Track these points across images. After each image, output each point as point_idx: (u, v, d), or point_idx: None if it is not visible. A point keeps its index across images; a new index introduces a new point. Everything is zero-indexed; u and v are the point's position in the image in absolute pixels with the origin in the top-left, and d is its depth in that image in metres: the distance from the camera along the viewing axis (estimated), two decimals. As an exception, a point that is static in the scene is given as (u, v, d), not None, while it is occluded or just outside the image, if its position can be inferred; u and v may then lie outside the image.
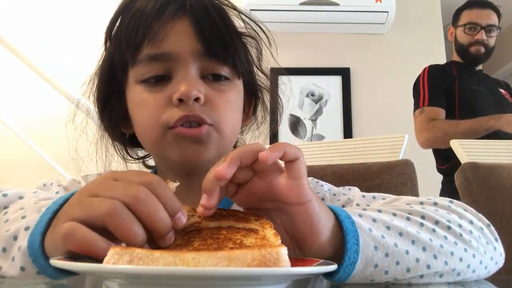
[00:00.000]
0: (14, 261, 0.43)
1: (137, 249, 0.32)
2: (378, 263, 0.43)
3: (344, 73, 2.52)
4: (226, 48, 0.60)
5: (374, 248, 0.42)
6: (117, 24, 0.63)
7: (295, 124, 2.49)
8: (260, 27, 0.67)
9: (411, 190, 0.96)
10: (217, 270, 0.30)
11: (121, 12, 0.62)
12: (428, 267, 0.44)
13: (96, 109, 0.67)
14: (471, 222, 0.50)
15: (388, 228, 0.44)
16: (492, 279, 0.52)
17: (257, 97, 0.71)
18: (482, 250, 0.49)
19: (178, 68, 0.58)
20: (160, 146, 0.59)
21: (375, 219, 0.45)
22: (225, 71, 0.61)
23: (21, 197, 0.50)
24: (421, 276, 0.45)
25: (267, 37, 0.68)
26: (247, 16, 0.67)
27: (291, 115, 2.48)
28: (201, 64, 0.59)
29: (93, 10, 2.46)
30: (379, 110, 2.46)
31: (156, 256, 0.32)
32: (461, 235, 0.47)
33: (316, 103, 2.51)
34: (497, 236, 0.52)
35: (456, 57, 2.02)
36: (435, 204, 0.51)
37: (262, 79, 0.71)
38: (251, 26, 0.67)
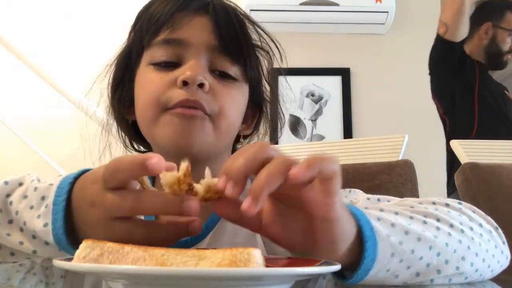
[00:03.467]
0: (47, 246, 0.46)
1: (108, 243, 0.33)
2: (391, 268, 0.42)
3: (344, 73, 2.52)
4: (240, 49, 0.62)
5: (391, 255, 0.42)
6: (138, 19, 0.65)
7: (295, 125, 2.49)
8: (273, 41, 0.70)
9: (411, 190, 0.96)
10: (224, 271, 0.30)
11: (146, 8, 0.65)
12: (439, 272, 0.44)
13: (109, 95, 0.69)
14: (480, 225, 0.50)
15: (406, 233, 0.43)
16: (495, 279, 0.52)
17: (261, 111, 0.72)
18: (491, 254, 0.49)
19: (189, 56, 0.60)
20: (153, 128, 0.59)
21: (393, 223, 0.43)
22: (233, 71, 0.62)
23: (20, 184, 0.51)
24: (432, 280, 0.45)
25: (280, 53, 0.70)
26: (262, 30, 0.69)
27: (291, 115, 2.48)
28: (211, 57, 0.61)
29: (98, 12, 2.46)
30: (379, 110, 2.46)
31: (126, 250, 0.32)
32: (472, 239, 0.47)
33: (316, 103, 2.51)
34: (504, 239, 0.52)
35: (477, 52, 1.88)
36: (447, 205, 0.51)
37: (269, 92, 0.72)
38: (266, 42, 0.69)
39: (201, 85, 0.57)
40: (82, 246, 0.33)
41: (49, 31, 2.46)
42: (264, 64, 0.70)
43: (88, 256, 0.32)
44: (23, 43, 2.13)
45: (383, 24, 2.47)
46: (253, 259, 0.31)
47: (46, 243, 0.46)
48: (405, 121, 2.41)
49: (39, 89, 2.17)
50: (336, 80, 2.52)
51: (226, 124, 0.61)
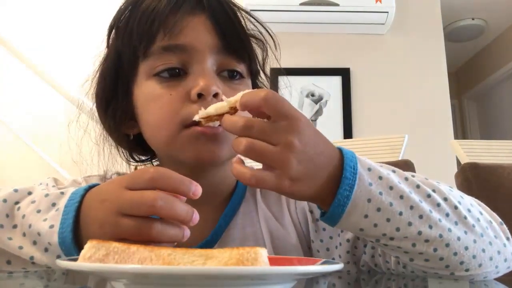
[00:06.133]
0: (48, 252, 0.47)
1: (113, 243, 0.33)
2: (369, 214, 0.45)
3: (344, 73, 2.52)
4: (243, 45, 0.60)
5: (368, 200, 0.45)
6: (125, 18, 0.61)
7: (295, 124, 2.49)
8: (266, 29, 0.67)
9: (411, 190, 0.96)
10: (227, 269, 0.30)
11: (130, 5, 0.60)
12: (420, 233, 0.45)
13: (97, 110, 0.65)
14: (481, 213, 0.50)
15: (390, 188, 0.46)
16: (500, 280, 0.51)
17: None
18: (487, 240, 0.48)
19: (195, 63, 0.57)
20: (173, 146, 0.57)
21: (382, 177, 0.46)
22: (240, 68, 0.61)
23: (29, 193, 0.52)
24: (413, 244, 0.46)
25: (273, 40, 0.68)
26: (254, 18, 0.66)
27: (291, 115, 2.48)
28: (217, 60, 0.59)
29: (94, 10, 2.46)
30: (379, 110, 2.46)
31: (132, 250, 0.32)
32: (465, 218, 0.47)
33: (316, 103, 2.51)
34: (509, 236, 0.51)
35: None
36: (451, 188, 0.52)
37: (264, 82, 0.71)
38: (257, 29, 0.66)
39: (215, 95, 0.55)
40: (87, 246, 0.33)
41: (48, 31, 2.47)
42: (259, 53, 0.68)
43: (93, 256, 0.32)
44: (22, 42, 2.13)
45: (383, 24, 2.47)
46: (260, 258, 0.31)
47: (46, 249, 0.46)
48: (405, 121, 2.41)
49: (37, 86, 2.17)
50: (336, 80, 2.52)
51: None
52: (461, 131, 4.26)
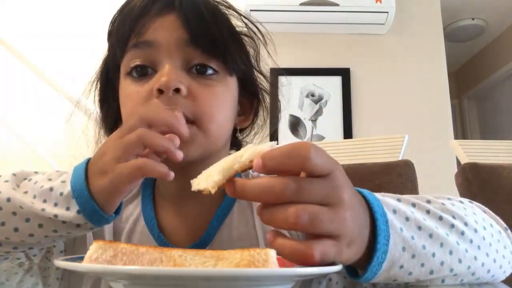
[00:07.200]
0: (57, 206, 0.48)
1: (121, 244, 0.32)
2: (404, 264, 0.41)
3: (344, 74, 2.52)
4: (214, 40, 0.58)
5: (402, 249, 0.40)
6: (112, 24, 0.63)
7: (295, 125, 2.49)
8: (256, 26, 0.66)
9: (411, 190, 0.96)
10: (224, 271, 0.30)
11: (118, 13, 0.63)
12: (451, 270, 0.43)
13: (99, 112, 0.68)
14: (491, 225, 0.50)
15: (419, 228, 0.42)
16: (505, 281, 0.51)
17: (258, 100, 0.69)
18: (501, 255, 0.48)
19: (162, 59, 0.57)
20: None
21: (408, 217, 0.42)
22: (212, 63, 0.58)
23: (36, 172, 0.56)
24: (443, 280, 0.44)
25: (263, 36, 0.67)
26: (242, 15, 0.65)
27: (291, 115, 2.48)
28: (186, 55, 0.57)
29: (94, 11, 2.46)
30: (379, 110, 2.46)
31: (142, 251, 0.31)
32: (484, 238, 0.46)
33: (316, 103, 2.51)
34: None
35: None
36: (461, 202, 0.50)
37: (262, 81, 0.70)
38: (249, 27, 0.65)
39: (177, 90, 0.54)
40: (93, 247, 0.32)
41: (48, 30, 2.47)
42: (251, 52, 0.67)
43: (100, 258, 0.31)
44: (21, 41, 2.13)
45: (383, 24, 2.47)
46: (271, 259, 0.30)
47: (56, 204, 0.48)
48: (405, 121, 2.41)
49: (36, 86, 2.17)
50: (336, 80, 2.52)
51: (215, 126, 0.58)
52: (461, 131, 4.26)
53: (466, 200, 0.52)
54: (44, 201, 0.49)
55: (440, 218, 0.45)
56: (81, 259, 0.34)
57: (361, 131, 2.44)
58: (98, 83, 0.67)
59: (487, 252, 0.46)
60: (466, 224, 0.45)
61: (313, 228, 0.34)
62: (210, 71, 0.58)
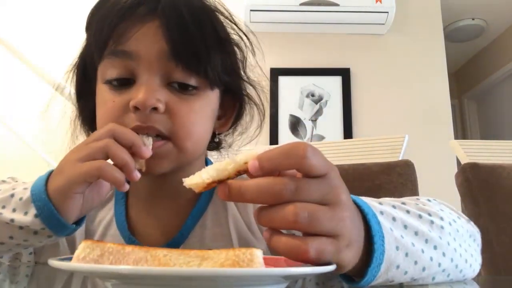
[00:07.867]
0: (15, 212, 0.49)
1: (108, 243, 0.33)
2: (400, 264, 0.41)
3: (344, 74, 2.52)
4: (196, 53, 0.55)
5: (396, 248, 0.41)
6: (90, 20, 0.61)
7: (295, 125, 2.49)
8: (243, 31, 0.64)
9: (411, 190, 0.96)
10: (217, 271, 0.30)
11: (97, 7, 0.60)
12: (440, 265, 0.44)
13: (76, 105, 0.68)
14: (459, 218, 0.51)
15: (405, 227, 0.43)
16: (493, 279, 0.52)
17: (241, 107, 0.67)
18: (468, 244, 0.50)
19: (141, 72, 0.55)
20: None
21: (394, 217, 0.43)
22: (193, 81, 0.56)
23: None
24: (433, 278, 0.45)
25: (249, 41, 0.64)
26: (230, 20, 0.63)
27: (291, 115, 2.48)
28: (166, 69, 0.55)
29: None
30: (379, 110, 2.46)
31: (128, 251, 0.32)
32: (457, 231, 0.48)
33: (316, 103, 2.51)
34: (480, 243, 0.53)
35: None
36: (429, 201, 0.52)
37: (247, 86, 0.67)
38: (238, 29, 0.63)
39: (154, 109, 0.53)
40: (82, 246, 0.33)
41: (47, 29, 2.47)
42: (240, 56, 0.64)
43: (88, 257, 0.32)
44: (20, 40, 2.13)
45: (383, 24, 2.47)
46: (256, 259, 0.31)
47: (14, 210, 0.49)
48: (405, 121, 2.41)
49: (35, 85, 2.17)
50: (336, 80, 2.52)
51: (191, 144, 0.56)
52: (461, 131, 4.25)
53: (431, 198, 0.53)
54: (3, 207, 0.49)
55: (420, 216, 0.46)
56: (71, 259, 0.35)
57: (361, 131, 2.44)
58: (74, 75, 0.65)
59: (460, 243, 0.48)
60: (442, 219, 0.47)
61: (312, 227, 0.34)
62: (190, 88, 0.57)
